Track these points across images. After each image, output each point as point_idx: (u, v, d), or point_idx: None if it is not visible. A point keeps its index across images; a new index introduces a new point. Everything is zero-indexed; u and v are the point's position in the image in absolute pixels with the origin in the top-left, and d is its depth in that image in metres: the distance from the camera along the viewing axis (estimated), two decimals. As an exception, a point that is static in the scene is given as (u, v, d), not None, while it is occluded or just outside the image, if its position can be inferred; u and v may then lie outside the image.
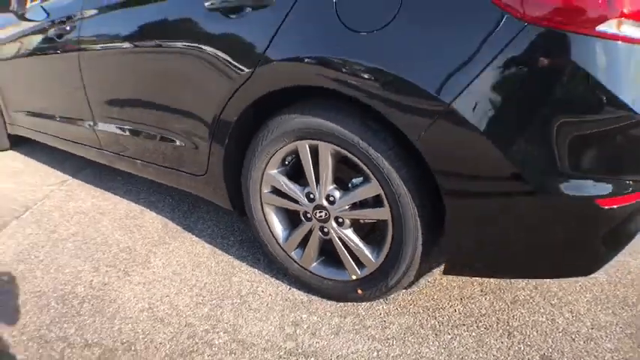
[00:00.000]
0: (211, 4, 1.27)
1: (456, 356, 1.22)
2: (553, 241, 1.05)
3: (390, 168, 1.10)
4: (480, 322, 1.33)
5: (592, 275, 1.18)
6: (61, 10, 1.94)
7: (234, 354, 1.28)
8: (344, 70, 1.05)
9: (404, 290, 1.46)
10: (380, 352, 1.24)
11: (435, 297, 1.44)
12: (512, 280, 1.50)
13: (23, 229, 2.04)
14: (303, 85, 1.16)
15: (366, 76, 1.03)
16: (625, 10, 0.84)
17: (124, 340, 1.35)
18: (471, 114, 0.94)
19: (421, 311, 1.38)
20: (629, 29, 0.85)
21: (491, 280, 1.50)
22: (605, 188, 0.97)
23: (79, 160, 2.69)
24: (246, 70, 1.22)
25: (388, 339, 1.29)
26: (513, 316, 1.35)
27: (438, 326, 1.32)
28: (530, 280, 1.49)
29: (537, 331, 1.29)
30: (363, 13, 1.03)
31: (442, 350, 1.24)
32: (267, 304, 1.46)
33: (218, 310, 1.45)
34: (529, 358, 1.20)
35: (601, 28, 0.85)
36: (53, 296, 1.58)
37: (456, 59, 0.93)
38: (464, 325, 1.32)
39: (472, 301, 1.41)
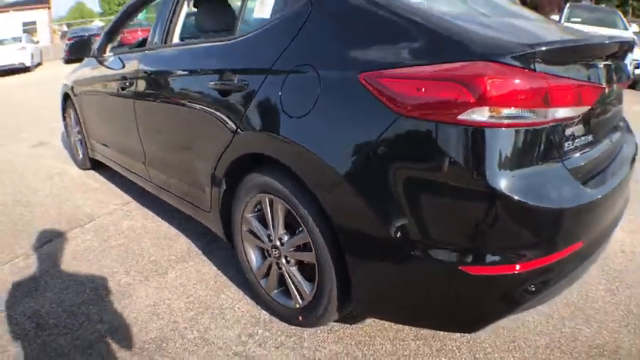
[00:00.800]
0: (214, 84, 1.80)
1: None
2: (433, 299, 1.32)
3: (312, 223, 1.47)
4: (400, 361, 1.59)
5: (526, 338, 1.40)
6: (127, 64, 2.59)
7: (197, 347, 1.68)
8: (280, 143, 1.48)
9: (349, 324, 1.76)
10: (304, 367, 1.56)
11: (372, 334, 1.71)
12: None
13: (83, 235, 2.68)
14: (258, 153, 1.59)
15: (293, 149, 1.44)
16: (477, 100, 1.10)
17: (126, 323, 1.82)
18: (359, 186, 1.29)
19: (353, 343, 1.67)
20: (481, 117, 1.11)
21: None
22: (470, 257, 1.19)
23: (142, 187, 3.36)
24: (229, 136, 1.71)
25: (314, 358, 1.60)
26: (431, 363, 1.58)
27: (361, 357, 1.60)
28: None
29: (445, 378, 1.51)
30: (294, 104, 1.46)
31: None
32: (236, 318, 1.85)
33: (200, 316, 1.87)
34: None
35: (461, 117, 1.12)
36: (89, 286, 2.12)
37: (351, 141, 1.30)
38: (384, 361, 1.59)
39: (402, 342, 1.66)
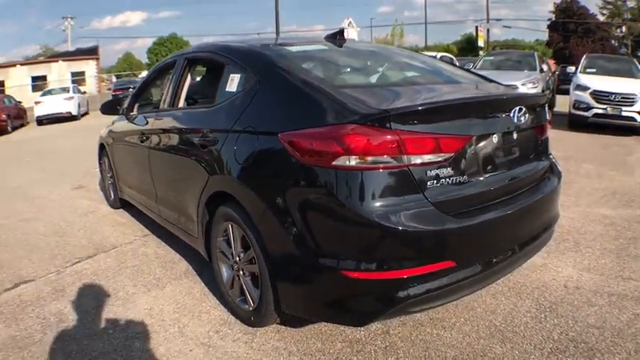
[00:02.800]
0: (198, 139, 2.49)
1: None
2: (329, 298, 1.86)
3: (255, 242, 2.07)
4: (319, 356, 2.10)
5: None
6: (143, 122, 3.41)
7: (175, 337, 2.27)
8: (234, 183, 2.14)
9: (293, 327, 2.29)
10: (247, 355, 2.11)
11: (309, 335, 2.23)
12: (370, 335, 2.21)
13: (106, 258, 3.40)
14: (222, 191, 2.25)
15: (240, 187, 2.09)
16: (344, 151, 1.66)
17: (126, 321, 2.46)
18: (276, 214, 1.90)
19: (292, 341, 2.19)
20: (349, 162, 1.67)
21: (362, 332, 2.23)
22: (348, 264, 1.73)
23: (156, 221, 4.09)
24: (206, 178, 2.38)
25: (259, 350, 2.15)
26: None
27: (295, 352, 2.12)
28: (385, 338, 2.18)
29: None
30: (242, 154, 2.11)
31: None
32: (209, 319, 2.44)
33: (182, 317, 2.47)
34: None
35: (334, 163, 1.69)
36: (104, 294, 2.79)
37: (272, 180, 1.94)
38: (309, 354, 2.11)
39: (330, 343, 2.16)
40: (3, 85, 27.22)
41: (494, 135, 2.00)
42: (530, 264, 2.87)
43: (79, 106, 17.53)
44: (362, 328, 2.24)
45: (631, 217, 3.76)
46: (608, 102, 7.98)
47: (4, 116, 14.92)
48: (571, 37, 35.71)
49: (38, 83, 28.26)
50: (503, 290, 2.59)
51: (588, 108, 8.16)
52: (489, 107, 2.07)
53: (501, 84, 2.72)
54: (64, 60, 32.53)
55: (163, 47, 51.99)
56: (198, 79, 3.22)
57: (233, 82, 2.38)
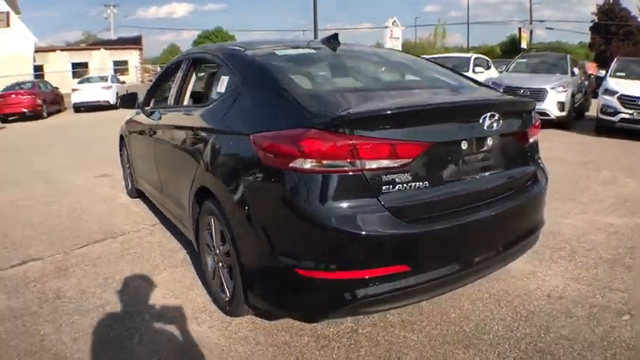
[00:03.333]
0: (192, 136, 2.66)
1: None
2: (285, 293, 1.96)
3: (229, 238, 2.21)
4: (284, 348, 2.21)
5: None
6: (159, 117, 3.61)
7: (155, 319, 2.45)
8: (213, 179, 2.30)
9: (267, 319, 2.41)
10: (218, 341, 2.25)
11: (279, 327, 2.33)
12: (338, 332, 2.30)
13: (112, 244, 3.64)
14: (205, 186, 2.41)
15: (218, 183, 2.24)
16: (300, 154, 1.75)
17: (117, 301, 2.65)
18: (242, 210, 2.03)
19: (262, 332, 2.30)
20: (305, 165, 1.76)
21: (331, 329, 2.32)
22: (302, 263, 1.83)
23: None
24: (194, 173, 2.54)
25: (230, 338, 2.28)
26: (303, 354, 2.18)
27: (262, 342, 2.24)
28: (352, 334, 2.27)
29: None
30: (221, 152, 2.25)
31: (249, 349, 2.17)
32: (193, 306, 2.60)
33: (169, 302, 2.65)
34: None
35: (291, 165, 1.79)
36: (102, 276, 3.01)
37: (241, 179, 2.06)
38: (275, 346, 2.22)
39: (298, 337, 2.26)
40: (42, 70, 27.71)
41: (463, 141, 2.02)
42: (518, 271, 2.89)
43: (117, 95, 17.92)
44: (331, 325, 2.33)
45: (636, 227, 3.67)
46: (634, 107, 7.70)
47: (39, 101, 15.73)
48: (612, 40, 34.51)
49: (79, 70, 28.65)
50: (484, 297, 2.62)
51: (615, 113, 7.90)
52: (454, 113, 2.08)
53: (494, 89, 2.74)
54: (106, 48, 33.11)
55: (208, 40, 51.58)
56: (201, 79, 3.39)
57: (223, 84, 2.53)
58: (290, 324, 2.36)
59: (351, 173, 1.78)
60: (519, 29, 27.26)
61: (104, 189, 5.43)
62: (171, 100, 3.34)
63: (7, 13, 25.73)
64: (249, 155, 2.03)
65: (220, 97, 2.50)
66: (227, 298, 2.39)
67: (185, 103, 3.20)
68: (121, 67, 31.71)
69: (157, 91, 4.13)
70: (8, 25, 25.67)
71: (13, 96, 15.55)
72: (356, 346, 2.19)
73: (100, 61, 30.78)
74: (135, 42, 35.25)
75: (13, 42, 24.91)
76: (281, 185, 1.86)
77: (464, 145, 2.03)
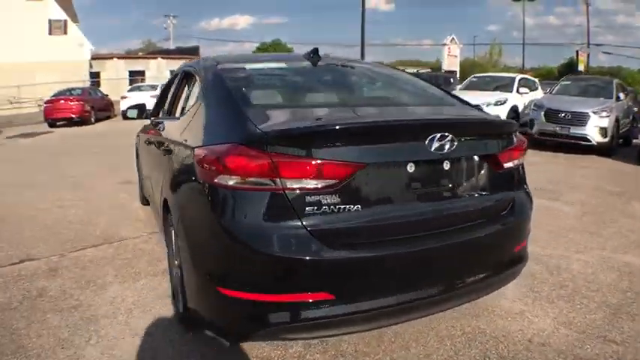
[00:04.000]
0: (166, 147, 2.76)
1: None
2: (209, 309, 1.93)
3: (176, 250, 2.27)
4: None
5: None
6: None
7: (118, 324, 2.53)
8: (168, 191, 2.38)
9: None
10: (166, 351, 2.29)
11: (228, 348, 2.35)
12: (286, 356, 2.26)
13: (107, 249, 3.82)
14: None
15: (173, 196, 2.30)
16: (224, 170, 1.74)
17: (90, 303, 2.76)
18: (183, 222, 2.08)
19: (214, 346, 2.31)
20: (227, 181, 1.75)
21: (279, 351, 2.29)
22: (221, 281, 1.79)
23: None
24: (161, 185, 2.64)
25: (178, 349, 2.30)
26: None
27: (208, 357, 2.25)
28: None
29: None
30: (176, 164, 2.34)
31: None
32: (157, 314, 2.66)
33: (136, 309, 2.73)
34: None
35: (216, 180, 1.78)
36: (86, 279, 3.15)
37: (186, 192, 2.12)
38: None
39: (242, 356, 2.27)
40: (98, 77, 29.31)
41: (409, 164, 1.90)
42: (505, 309, 2.73)
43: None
44: (279, 348, 2.29)
45: (656, 271, 3.36)
46: None
47: (87, 107, 16.69)
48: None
49: (136, 78, 29.82)
50: (455, 334, 2.48)
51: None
52: (394, 132, 1.92)
53: (479, 109, 2.60)
54: (163, 57, 34.68)
55: (265, 52, 54.30)
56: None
57: (192, 97, 2.63)
58: (242, 345, 2.35)
59: (272, 192, 1.73)
60: (576, 52, 26.63)
61: (122, 195, 5.70)
62: (165, 112, 3.51)
63: (65, 21, 27.87)
64: (192, 169, 2.03)
65: (187, 110, 2.60)
66: (180, 310, 2.43)
67: (176, 114, 3.35)
68: (177, 75, 32.88)
69: (162, 102, 4.33)
70: (65, 33, 27.80)
71: (62, 101, 16.63)
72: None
73: (157, 70, 32.17)
74: (192, 52, 36.71)
75: (70, 49, 26.85)
76: (208, 201, 1.86)
77: (410, 168, 1.90)
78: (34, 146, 11.74)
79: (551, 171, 7.09)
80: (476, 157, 2.14)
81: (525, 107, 10.35)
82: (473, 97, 10.24)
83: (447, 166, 2.00)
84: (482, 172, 2.18)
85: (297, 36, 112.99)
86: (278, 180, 1.71)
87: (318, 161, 1.73)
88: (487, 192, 2.21)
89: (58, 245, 3.86)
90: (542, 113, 8.79)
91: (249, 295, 1.76)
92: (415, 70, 17.35)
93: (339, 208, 1.77)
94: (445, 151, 1.93)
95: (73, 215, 4.82)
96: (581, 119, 8.22)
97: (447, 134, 1.91)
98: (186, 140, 2.31)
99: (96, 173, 7.18)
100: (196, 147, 2.05)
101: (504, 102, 10.17)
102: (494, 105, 10.01)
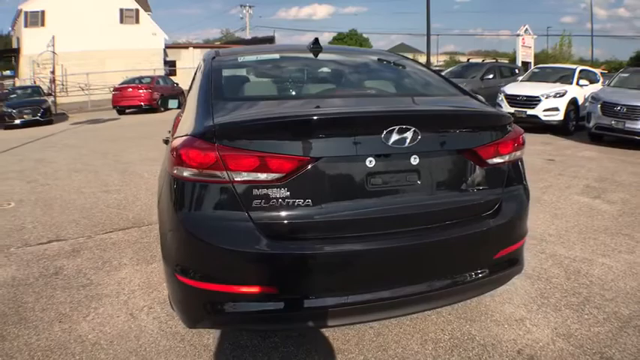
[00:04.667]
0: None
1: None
2: (174, 296, 1.98)
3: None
4: (201, 349, 2.30)
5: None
6: None
7: (117, 303, 2.74)
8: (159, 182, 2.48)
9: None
10: (152, 331, 2.44)
11: (207, 332, 2.45)
12: (264, 345, 2.32)
13: (133, 232, 4.10)
14: None
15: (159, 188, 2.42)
16: (178, 161, 1.79)
17: (101, 282, 3.01)
18: (159, 213, 2.16)
19: (194, 331, 2.44)
20: (182, 172, 1.80)
21: (253, 342, 2.36)
22: (178, 268, 1.87)
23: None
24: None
25: (163, 330, 2.45)
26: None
27: (187, 339, 2.37)
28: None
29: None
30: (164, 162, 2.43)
31: (169, 345, 2.32)
32: (155, 297, 2.84)
33: (139, 290, 2.93)
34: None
35: (175, 171, 1.84)
36: (104, 260, 3.42)
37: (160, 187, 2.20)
38: (193, 346, 2.33)
39: (218, 342, 2.36)
40: (174, 66, 30.72)
41: (368, 158, 1.83)
42: (505, 314, 2.62)
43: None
44: (256, 338, 2.37)
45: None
46: None
47: (156, 95, 17.43)
48: None
49: None
50: (441, 338, 2.41)
51: None
52: (349, 125, 1.86)
53: (480, 100, 2.44)
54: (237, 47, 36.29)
55: (343, 43, 53.32)
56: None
57: (193, 87, 2.73)
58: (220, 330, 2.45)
59: (221, 185, 1.77)
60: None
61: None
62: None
63: (137, 11, 29.64)
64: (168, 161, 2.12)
65: (187, 102, 2.71)
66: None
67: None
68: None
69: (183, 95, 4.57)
70: (137, 22, 29.59)
71: (130, 89, 17.60)
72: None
73: None
74: (267, 42, 37.67)
75: (142, 38, 28.53)
76: (169, 191, 1.94)
77: (369, 163, 1.84)
78: (96, 132, 12.70)
79: (602, 167, 6.62)
80: (453, 152, 2.02)
81: (585, 100, 9.91)
82: (532, 88, 10.06)
83: (414, 160, 1.91)
84: (461, 168, 2.05)
85: (376, 25, 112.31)
86: (226, 173, 1.75)
87: (264, 154, 1.75)
88: (466, 190, 2.08)
89: (89, 228, 4.21)
90: (599, 106, 8.50)
91: (201, 284, 1.83)
92: (467, 60, 16.72)
93: (288, 202, 1.78)
94: (406, 145, 1.85)
95: (113, 200, 5.20)
96: (636, 113, 7.86)
97: (408, 127, 1.84)
98: (172, 131, 2.42)
99: (148, 160, 7.58)
100: (173, 139, 2.13)
101: (563, 94, 9.80)
102: (554, 97, 9.73)
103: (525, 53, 20.61)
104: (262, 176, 1.76)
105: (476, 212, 2.10)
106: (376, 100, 2.45)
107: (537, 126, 9.83)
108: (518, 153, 2.23)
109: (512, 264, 2.27)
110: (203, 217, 1.81)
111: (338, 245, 1.82)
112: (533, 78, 11.09)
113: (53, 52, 23.06)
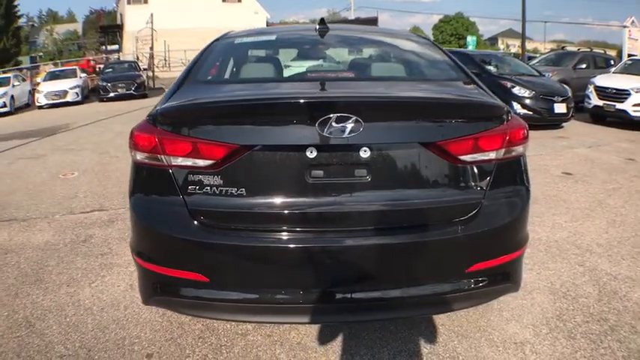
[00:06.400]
0: None
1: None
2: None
3: None
4: (168, 336, 2.49)
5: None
6: None
7: (105, 283, 3.05)
8: None
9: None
10: (122, 316, 2.69)
11: (182, 317, 2.62)
12: (231, 333, 2.44)
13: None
14: None
15: None
16: (132, 145, 1.90)
17: (115, 253, 3.37)
18: None
19: (164, 317, 2.62)
20: (136, 156, 1.91)
21: (225, 327, 2.49)
22: (133, 249, 2.02)
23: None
24: None
25: (133, 315, 2.68)
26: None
27: (155, 326, 2.58)
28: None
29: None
30: None
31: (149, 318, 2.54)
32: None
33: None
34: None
35: (132, 155, 1.95)
36: (118, 238, 3.80)
37: None
38: (160, 331, 2.52)
39: (187, 328, 2.53)
40: None
41: (309, 148, 1.78)
42: (508, 333, 2.44)
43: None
44: (229, 324, 2.49)
45: None
46: None
47: None
48: None
49: None
50: (420, 352, 2.31)
51: None
52: (284, 113, 1.84)
53: (479, 87, 2.26)
54: None
55: (449, 25, 53.55)
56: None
57: None
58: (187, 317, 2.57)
59: (161, 169, 1.87)
60: None
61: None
62: None
63: None
64: None
65: None
66: None
67: None
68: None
69: None
70: (239, 1, 31.02)
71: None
72: (229, 348, 2.33)
73: None
74: (370, 22, 37.86)
75: (244, 16, 29.87)
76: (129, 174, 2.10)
77: (310, 154, 1.78)
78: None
79: None
80: (415, 146, 1.87)
81: None
82: (623, 81, 9.55)
83: (364, 154, 1.80)
84: (425, 165, 1.89)
85: (485, 10, 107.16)
86: (164, 157, 1.84)
87: (197, 140, 1.81)
88: (429, 191, 1.92)
89: (112, 201, 4.66)
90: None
91: (148, 265, 1.98)
92: (561, 47, 15.74)
93: (221, 190, 1.81)
94: (345, 135, 1.76)
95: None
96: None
97: (348, 115, 1.76)
98: None
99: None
100: None
101: None
102: None
103: (632, 46, 19.01)
104: (196, 162, 1.82)
105: (441, 217, 1.93)
106: (340, 85, 2.35)
107: (626, 121, 9.14)
108: (514, 150, 2.01)
109: (499, 280, 2.06)
110: (147, 201, 1.97)
111: (270, 240, 1.83)
112: (627, 70, 10.40)
113: (152, 29, 25.10)
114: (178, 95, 2.12)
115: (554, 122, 9.08)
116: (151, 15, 25.17)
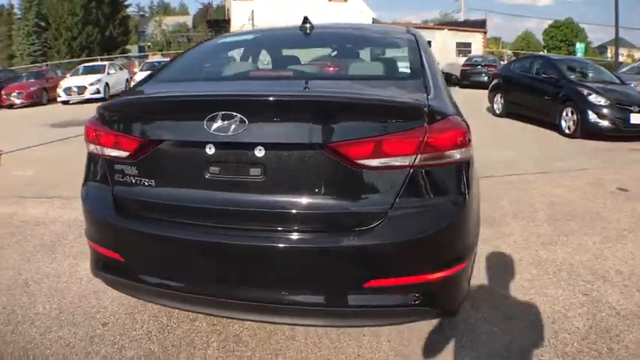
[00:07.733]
0: None
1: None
2: None
3: None
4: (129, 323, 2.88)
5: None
6: None
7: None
8: None
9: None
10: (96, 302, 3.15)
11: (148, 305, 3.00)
12: (179, 315, 2.77)
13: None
14: None
15: None
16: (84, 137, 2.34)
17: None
18: None
19: (133, 305, 3.04)
20: (90, 147, 2.28)
21: (179, 313, 2.79)
22: (90, 236, 2.36)
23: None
24: None
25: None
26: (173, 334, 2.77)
27: (122, 310, 2.96)
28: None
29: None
30: None
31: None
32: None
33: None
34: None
35: (88, 148, 2.33)
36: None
37: None
38: (130, 305, 2.92)
39: (140, 315, 2.88)
40: None
41: (209, 145, 1.94)
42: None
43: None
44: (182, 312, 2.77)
45: None
46: None
47: None
48: None
49: None
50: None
51: None
52: (180, 109, 2.13)
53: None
54: (449, 29, 36.54)
55: (558, 30, 54.83)
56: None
57: None
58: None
59: (97, 158, 2.26)
60: None
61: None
62: None
63: None
64: None
65: None
66: None
67: None
68: (463, 48, 33.80)
69: None
70: (345, 0, 31.85)
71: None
72: (172, 330, 2.63)
73: (442, 42, 33.26)
74: (479, 25, 37.15)
75: (349, 16, 30.49)
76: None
77: (209, 150, 1.95)
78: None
79: None
80: (310, 147, 1.89)
81: None
82: None
83: (259, 152, 1.89)
84: (321, 167, 1.90)
85: (595, 17, 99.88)
86: (99, 148, 2.22)
87: (117, 134, 2.15)
88: (323, 196, 1.91)
89: None
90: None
91: (90, 242, 2.38)
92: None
93: (137, 180, 2.12)
94: (230, 133, 1.87)
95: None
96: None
97: (232, 114, 1.87)
98: None
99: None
100: None
101: None
102: None
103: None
104: (118, 154, 2.15)
105: (335, 225, 1.93)
106: (260, 84, 2.61)
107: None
108: (444, 156, 1.90)
109: (416, 302, 1.95)
110: (89, 186, 2.38)
111: (168, 229, 2.05)
112: None
113: (253, 26, 26.63)
114: (127, 93, 2.58)
115: (629, 134, 8.31)
116: (252, 12, 26.62)
